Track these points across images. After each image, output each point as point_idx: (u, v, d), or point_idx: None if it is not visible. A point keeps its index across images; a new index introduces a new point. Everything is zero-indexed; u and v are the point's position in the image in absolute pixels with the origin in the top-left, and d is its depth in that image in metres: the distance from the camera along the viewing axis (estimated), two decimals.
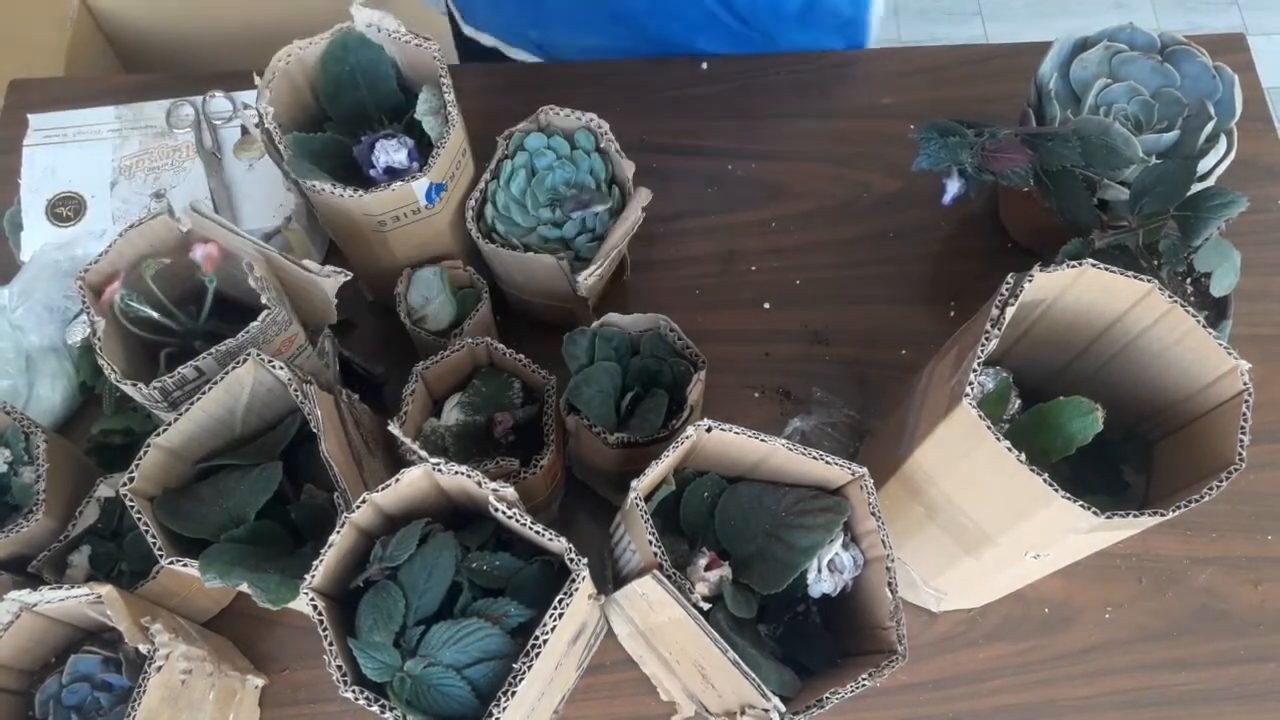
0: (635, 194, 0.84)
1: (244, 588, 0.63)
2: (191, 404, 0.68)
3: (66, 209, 0.93)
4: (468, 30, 1.19)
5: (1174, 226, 0.76)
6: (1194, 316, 0.64)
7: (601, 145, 0.85)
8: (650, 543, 0.61)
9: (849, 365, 0.94)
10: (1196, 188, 0.77)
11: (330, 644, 0.58)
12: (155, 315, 0.73)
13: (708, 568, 0.65)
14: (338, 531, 0.60)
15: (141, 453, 0.67)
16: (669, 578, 0.60)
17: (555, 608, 0.58)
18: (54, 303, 0.88)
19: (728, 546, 0.67)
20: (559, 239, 0.84)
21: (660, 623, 0.64)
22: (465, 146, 0.81)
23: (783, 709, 0.59)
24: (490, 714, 0.56)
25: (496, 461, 0.75)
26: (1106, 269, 0.64)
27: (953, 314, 0.96)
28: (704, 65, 1.07)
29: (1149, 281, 0.65)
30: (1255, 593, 0.85)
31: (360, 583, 0.63)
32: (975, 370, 0.61)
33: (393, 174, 0.77)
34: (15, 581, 0.73)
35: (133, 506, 0.66)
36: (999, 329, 0.62)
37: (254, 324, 0.70)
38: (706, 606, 0.63)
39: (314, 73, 0.80)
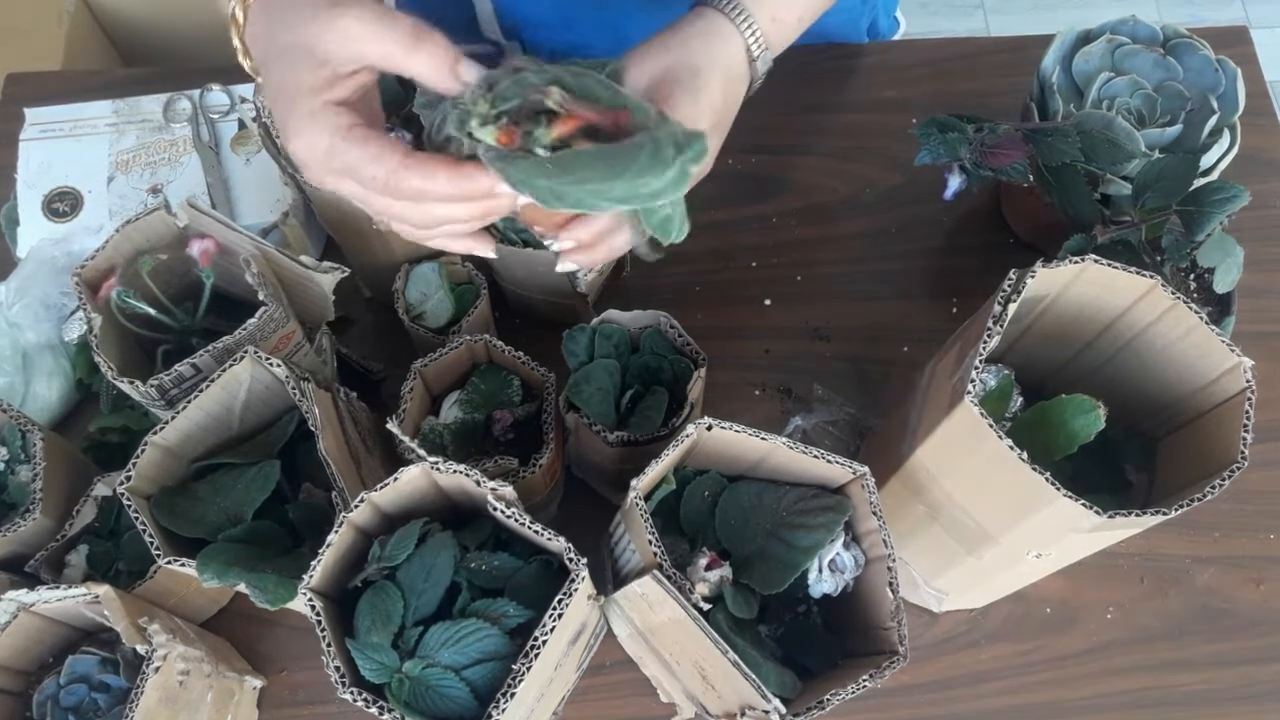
0: None
1: (242, 588, 0.63)
2: (189, 402, 0.68)
3: (63, 204, 0.93)
4: None
5: (1177, 222, 0.75)
6: (1197, 313, 0.64)
7: None
8: (650, 542, 0.61)
9: (850, 362, 0.93)
10: (1199, 182, 0.76)
11: (328, 645, 0.58)
12: (152, 311, 0.73)
13: (708, 567, 0.64)
14: (336, 531, 0.60)
15: (139, 451, 0.67)
16: (669, 577, 0.60)
17: (555, 608, 0.57)
18: (51, 299, 0.88)
19: (728, 546, 0.67)
20: None
21: (660, 623, 0.63)
22: None
23: (783, 710, 0.58)
24: (489, 715, 0.56)
25: (495, 460, 0.74)
26: (1109, 265, 0.64)
27: (955, 310, 0.95)
28: None
29: (1151, 277, 0.64)
30: (1258, 592, 0.85)
31: (358, 583, 0.63)
32: (977, 367, 0.61)
33: None
34: (12, 581, 0.73)
35: (130, 505, 0.65)
36: (1001, 326, 0.62)
37: (251, 320, 0.70)
38: (706, 606, 0.63)
39: None
